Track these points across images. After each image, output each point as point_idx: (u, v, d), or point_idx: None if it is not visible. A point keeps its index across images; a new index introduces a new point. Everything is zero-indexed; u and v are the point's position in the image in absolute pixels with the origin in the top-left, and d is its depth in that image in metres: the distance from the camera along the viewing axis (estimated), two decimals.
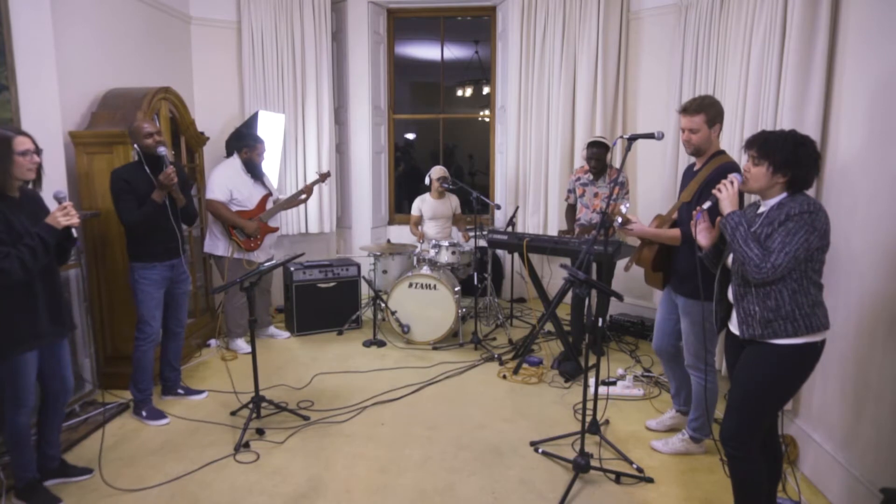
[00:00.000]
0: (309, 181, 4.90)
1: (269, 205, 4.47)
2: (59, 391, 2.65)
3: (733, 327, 2.21)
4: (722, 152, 2.76)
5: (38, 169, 2.42)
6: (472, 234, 4.94)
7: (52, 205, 2.48)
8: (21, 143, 2.32)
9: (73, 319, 2.73)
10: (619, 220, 2.86)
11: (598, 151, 4.28)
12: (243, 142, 4.38)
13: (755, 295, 2.07)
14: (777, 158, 2.01)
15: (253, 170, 4.36)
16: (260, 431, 3.19)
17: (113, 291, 3.67)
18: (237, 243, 4.31)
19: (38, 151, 2.40)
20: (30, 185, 2.46)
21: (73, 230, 2.43)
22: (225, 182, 4.26)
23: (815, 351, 2.05)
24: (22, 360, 2.41)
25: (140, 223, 3.15)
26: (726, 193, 2.13)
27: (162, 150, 3.18)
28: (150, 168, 3.21)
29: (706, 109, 2.66)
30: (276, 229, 4.55)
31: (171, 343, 3.54)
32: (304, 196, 4.59)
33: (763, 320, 2.05)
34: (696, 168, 2.82)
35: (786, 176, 2.02)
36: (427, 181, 5.16)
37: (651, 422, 3.28)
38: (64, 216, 2.37)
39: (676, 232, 2.78)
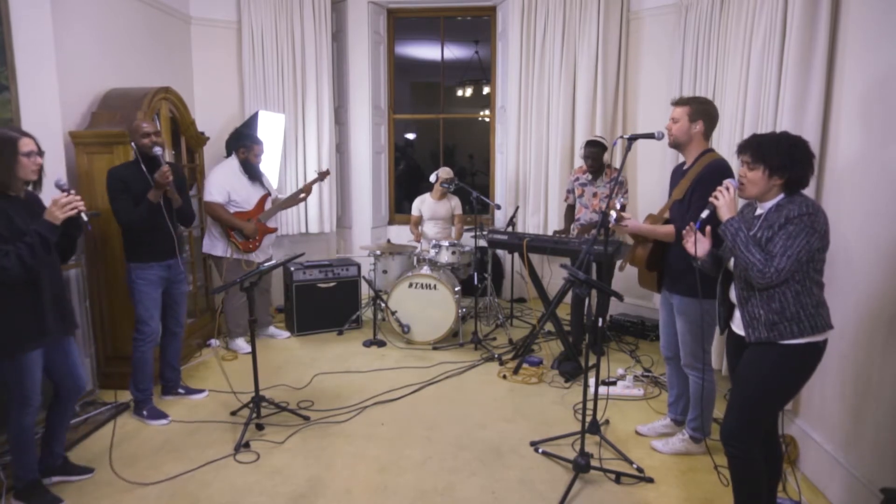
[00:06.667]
0: (308, 180, 4.89)
1: (268, 205, 4.46)
2: (71, 389, 2.66)
3: (736, 328, 2.21)
4: (710, 150, 2.77)
5: (40, 170, 2.43)
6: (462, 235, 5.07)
7: (53, 195, 2.42)
8: (25, 145, 2.35)
9: (76, 319, 2.73)
10: (614, 215, 2.86)
11: (594, 151, 4.28)
12: (241, 142, 4.37)
13: (759, 298, 2.06)
14: (773, 161, 2.00)
15: (250, 170, 4.34)
16: (259, 427, 3.21)
17: (113, 291, 3.67)
18: (235, 245, 4.30)
19: (40, 153, 2.41)
20: (30, 187, 2.46)
21: (84, 216, 2.38)
22: (222, 183, 4.24)
23: (817, 351, 2.05)
24: (28, 359, 2.40)
25: (136, 222, 3.16)
26: (724, 200, 2.12)
27: (157, 150, 3.18)
28: (147, 168, 3.21)
29: (692, 103, 2.74)
30: (274, 230, 4.53)
31: (171, 343, 3.55)
32: (302, 195, 4.57)
33: (768, 323, 2.04)
34: (685, 167, 2.83)
35: (783, 178, 2.01)
36: (434, 178, 5.16)
37: (643, 427, 3.23)
38: (60, 210, 2.32)
39: (670, 228, 2.79)
